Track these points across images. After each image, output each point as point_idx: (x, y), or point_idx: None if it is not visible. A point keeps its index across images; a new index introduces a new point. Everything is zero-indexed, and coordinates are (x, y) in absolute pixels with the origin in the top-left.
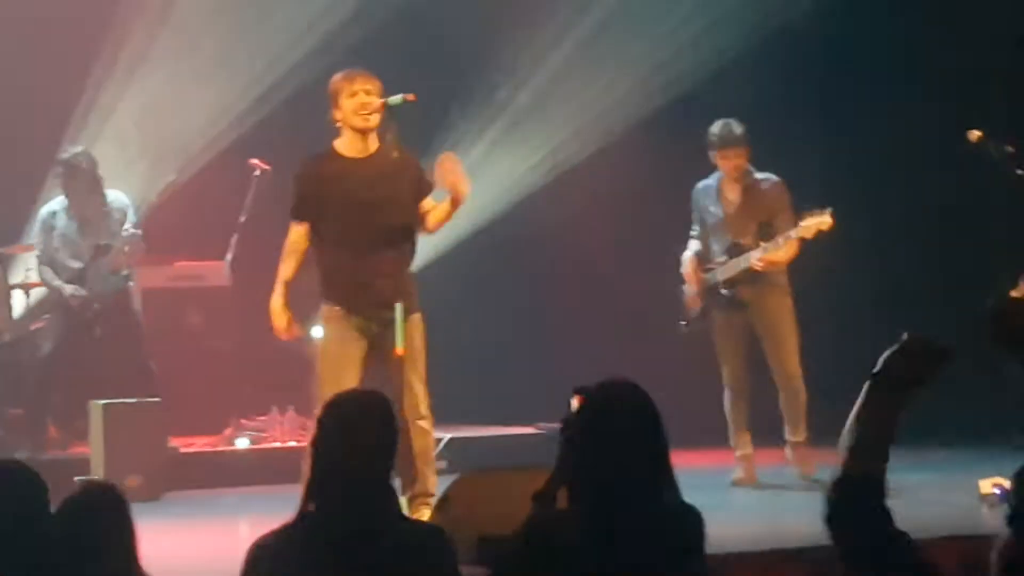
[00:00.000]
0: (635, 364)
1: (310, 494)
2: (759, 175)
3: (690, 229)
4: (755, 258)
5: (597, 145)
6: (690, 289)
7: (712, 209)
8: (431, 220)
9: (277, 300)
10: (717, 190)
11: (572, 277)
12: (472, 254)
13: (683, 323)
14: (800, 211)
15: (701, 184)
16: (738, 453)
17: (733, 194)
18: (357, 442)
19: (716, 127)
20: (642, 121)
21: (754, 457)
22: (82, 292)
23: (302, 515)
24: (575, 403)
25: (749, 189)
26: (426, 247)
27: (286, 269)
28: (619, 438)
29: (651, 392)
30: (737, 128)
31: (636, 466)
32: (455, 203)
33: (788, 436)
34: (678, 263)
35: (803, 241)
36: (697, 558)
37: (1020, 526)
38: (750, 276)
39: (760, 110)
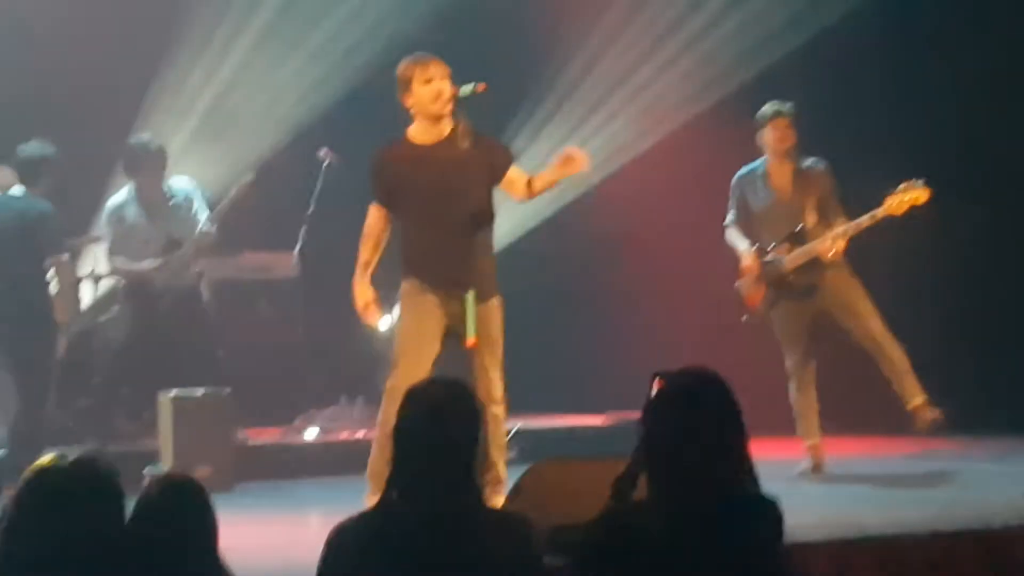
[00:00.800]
0: (704, 352)
1: (393, 481)
2: (805, 161)
3: (725, 217)
4: (823, 248)
5: (662, 135)
6: (750, 281)
7: (761, 194)
8: (536, 185)
9: (359, 282)
10: (765, 175)
11: (643, 266)
12: (542, 242)
13: (745, 317)
14: (882, 189)
15: (745, 170)
16: (807, 443)
17: (783, 179)
18: (440, 431)
19: (767, 106)
20: (704, 112)
21: (823, 447)
22: (158, 266)
23: (385, 501)
24: (655, 389)
25: (799, 173)
26: (497, 234)
27: (365, 252)
28: (699, 426)
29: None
30: (785, 104)
31: (715, 455)
32: (564, 175)
33: (907, 404)
34: (733, 254)
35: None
36: (776, 548)
37: None
38: (814, 261)
39: (823, 100)
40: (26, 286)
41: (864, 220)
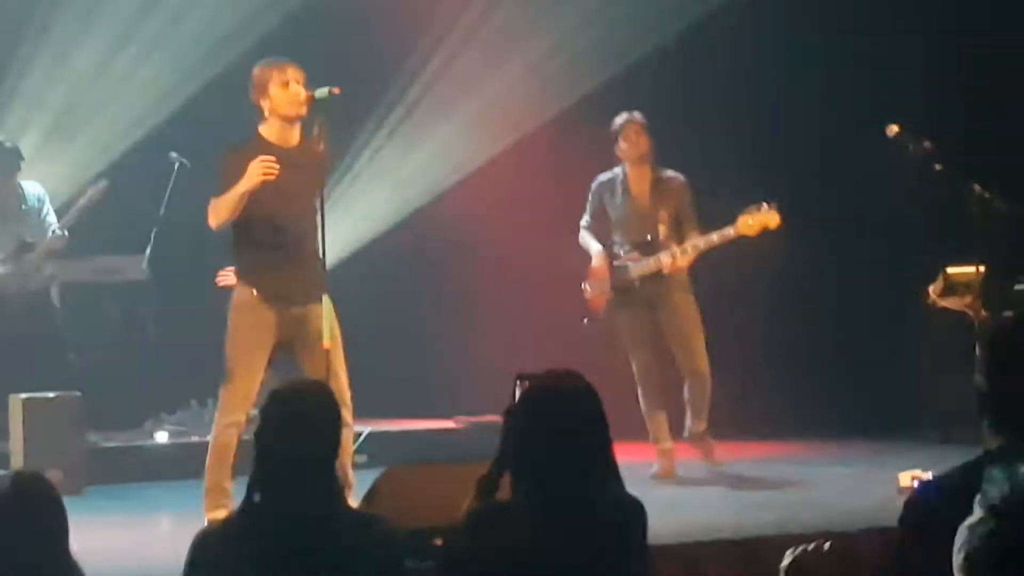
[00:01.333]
0: (554, 357)
1: (255, 485)
2: (664, 172)
3: (581, 219)
4: (667, 262)
5: (516, 139)
6: (596, 285)
7: (618, 202)
8: None
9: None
10: (623, 183)
11: (494, 271)
12: (392, 247)
13: (586, 320)
14: (735, 208)
15: (604, 176)
16: (658, 447)
17: (640, 188)
18: (302, 433)
19: (617, 117)
20: (558, 116)
21: (674, 451)
22: (9, 268)
23: (247, 505)
24: (519, 390)
25: (656, 183)
26: (348, 238)
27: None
28: (563, 427)
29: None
30: (637, 114)
31: (579, 456)
32: None
33: (692, 427)
34: (583, 257)
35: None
36: (639, 549)
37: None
38: (659, 273)
39: (671, 108)
40: None
41: (714, 237)
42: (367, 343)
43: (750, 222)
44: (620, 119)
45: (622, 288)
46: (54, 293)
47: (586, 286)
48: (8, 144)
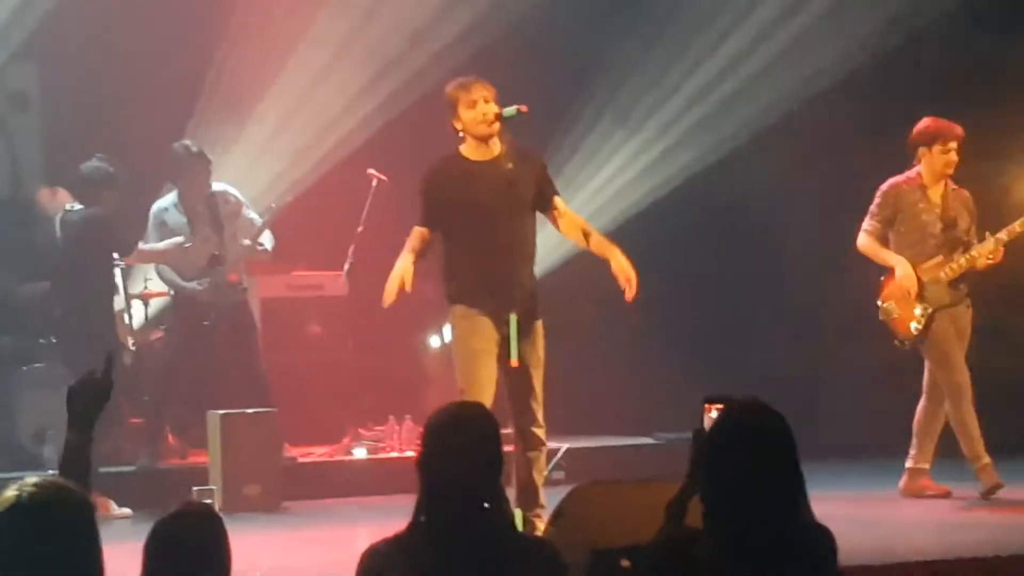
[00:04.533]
0: (756, 375)
1: (420, 505)
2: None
3: (869, 223)
4: (983, 252)
5: (736, 144)
6: (902, 303)
7: (921, 207)
8: (593, 246)
9: (404, 259)
10: (922, 189)
11: (685, 292)
12: (592, 264)
13: (899, 342)
14: None
15: (901, 180)
16: (982, 463)
17: (938, 196)
18: (461, 456)
19: (930, 122)
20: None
21: (991, 467)
22: (204, 284)
23: (414, 525)
24: (708, 415)
25: (952, 192)
26: (551, 253)
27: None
28: (761, 458)
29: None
30: (959, 128)
31: (774, 485)
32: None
33: (977, 463)
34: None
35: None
36: None
37: None
38: (967, 273)
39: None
40: (91, 303)
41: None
42: (572, 356)
43: None
44: (941, 130)
45: (936, 300)
46: (253, 307)
47: (890, 306)
48: (195, 149)
